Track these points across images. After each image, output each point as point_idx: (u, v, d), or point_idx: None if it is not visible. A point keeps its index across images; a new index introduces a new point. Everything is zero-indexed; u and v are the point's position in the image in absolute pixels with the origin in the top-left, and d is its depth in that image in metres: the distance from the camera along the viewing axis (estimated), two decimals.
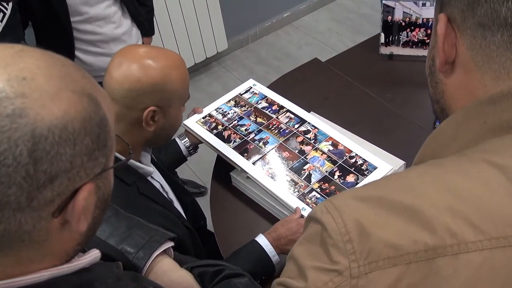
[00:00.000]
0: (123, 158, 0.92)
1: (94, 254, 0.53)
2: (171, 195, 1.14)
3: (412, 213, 0.42)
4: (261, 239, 1.05)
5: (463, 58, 0.49)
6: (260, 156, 1.25)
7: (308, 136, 1.30)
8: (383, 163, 1.20)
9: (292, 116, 1.36)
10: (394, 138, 1.38)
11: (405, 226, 0.41)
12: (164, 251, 0.76)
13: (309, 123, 1.33)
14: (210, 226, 1.30)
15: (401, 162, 1.23)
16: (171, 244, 0.77)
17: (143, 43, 1.85)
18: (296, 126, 1.33)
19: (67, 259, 0.50)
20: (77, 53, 1.67)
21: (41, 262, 0.47)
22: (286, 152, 1.25)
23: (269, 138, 1.30)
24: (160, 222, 0.94)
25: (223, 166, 1.31)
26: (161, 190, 1.09)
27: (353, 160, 1.21)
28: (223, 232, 1.21)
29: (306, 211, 1.10)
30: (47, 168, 0.43)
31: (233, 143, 1.30)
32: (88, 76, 0.51)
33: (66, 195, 0.46)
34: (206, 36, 2.88)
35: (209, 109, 1.41)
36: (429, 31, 1.62)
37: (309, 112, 1.39)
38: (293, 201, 1.13)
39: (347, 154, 1.23)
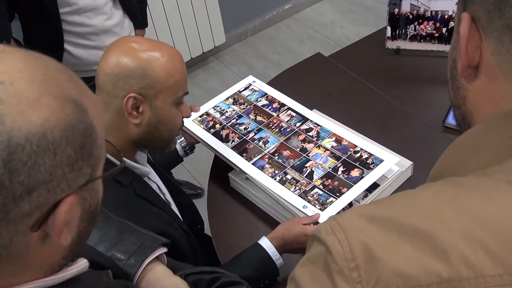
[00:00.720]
0: (116, 161, 0.92)
1: (81, 264, 0.53)
2: (168, 197, 1.14)
3: (425, 238, 0.40)
4: (264, 242, 1.05)
5: (487, 64, 0.46)
6: (260, 156, 1.24)
7: (310, 134, 1.29)
8: (389, 156, 1.20)
9: (294, 114, 1.36)
10: (401, 137, 1.37)
11: (417, 253, 0.39)
12: (157, 258, 0.75)
13: (311, 121, 1.33)
14: (207, 230, 1.29)
15: (409, 163, 1.23)
16: (164, 250, 0.76)
17: (135, 35, 1.85)
18: (298, 124, 1.33)
19: (52, 273, 0.50)
20: (66, 46, 1.66)
21: (23, 275, 0.47)
22: (287, 151, 1.25)
23: (269, 137, 1.30)
24: (157, 225, 0.94)
25: (221, 167, 1.31)
26: (158, 191, 1.08)
27: (358, 155, 1.21)
28: (221, 236, 1.20)
29: (308, 208, 1.10)
30: (24, 179, 0.42)
31: (232, 142, 1.29)
32: (76, 79, 0.50)
33: (46, 208, 0.45)
34: (203, 29, 2.87)
35: (206, 107, 1.41)
36: (438, 24, 1.61)
37: (311, 110, 1.39)
38: (294, 199, 1.12)
39: (351, 149, 1.23)
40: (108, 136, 0.53)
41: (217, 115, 1.38)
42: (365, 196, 1.16)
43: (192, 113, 1.37)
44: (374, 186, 1.18)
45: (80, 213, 0.49)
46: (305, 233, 1.03)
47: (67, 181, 0.46)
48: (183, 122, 1.06)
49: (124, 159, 0.96)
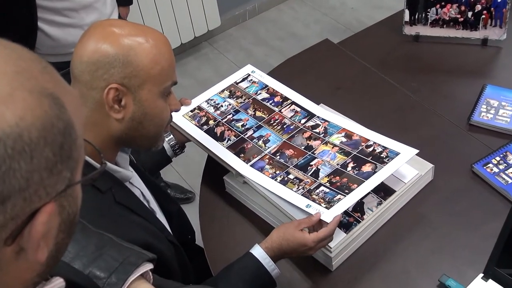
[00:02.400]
0: (95, 163, 0.90)
1: (57, 284, 0.52)
2: (153, 205, 1.14)
3: None
4: (258, 251, 1.04)
5: None
6: (260, 157, 1.24)
7: (317, 130, 1.29)
8: (405, 148, 1.19)
9: (298, 109, 1.35)
10: (420, 136, 1.37)
11: None
12: (142, 275, 0.75)
13: (318, 117, 1.32)
14: (198, 240, 1.29)
15: (429, 166, 1.23)
16: (149, 266, 0.76)
17: (119, 13, 1.84)
18: (303, 121, 1.32)
19: None
20: (40, 24, 1.64)
21: None
22: (290, 150, 1.25)
23: (270, 136, 1.29)
24: (140, 237, 0.94)
25: (215, 169, 1.30)
26: (141, 198, 1.08)
27: (370, 149, 1.21)
28: (214, 248, 1.20)
29: (312, 207, 1.10)
30: None
31: (227, 141, 1.28)
32: (51, 70, 0.50)
33: (22, 219, 0.45)
34: (195, 11, 2.86)
35: (199, 100, 1.40)
36: (463, 8, 1.60)
37: (318, 104, 1.38)
38: (296, 199, 1.12)
39: (363, 144, 1.23)
40: (85, 134, 0.53)
41: (211, 109, 1.37)
42: (379, 203, 1.16)
43: (182, 107, 1.36)
44: (389, 192, 1.17)
45: (58, 223, 0.49)
46: (305, 243, 1.03)
47: (45, 187, 0.46)
48: (171, 117, 1.05)
49: (105, 161, 0.95)
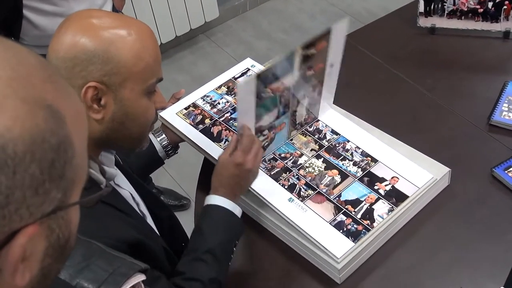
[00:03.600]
0: (99, 177, 0.91)
1: None
2: (143, 208, 1.14)
3: None
4: (218, 200, 1.11)
5: None
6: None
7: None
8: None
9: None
10: (436, 138, 1.37)
11: None
12: (133, 287, 0.75)
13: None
14: None
15: (445, 170, 1.23)
16: (141, 277, 0.76)
17: (113, 4, 1.84)
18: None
19: None
20: (25, 12, 1.65)
21: None
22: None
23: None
24: (131, 234, 0.94)
25: (211, 173, 1.29)
26: (130, 201, 1.08)
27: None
28: None
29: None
30: None
31: (225, 142, 1.29)
32: (57, 79, 0.49)
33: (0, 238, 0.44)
34: (191, 1, 2.86)
35: (194, 96, 1.40)
36: None
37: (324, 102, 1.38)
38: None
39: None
40: None
41: (207, 107, 1.37)
42: (391, 210, 1.16)
43: (176, 104, 1.37)
44: (401, 197, 1.17)
45: (45, 247, 0.48)
46: (233, 161, 1.11)
47: (29, 207, 0.45)
48: (157, 115, 1.05)
49: (109, 183, 0.95)
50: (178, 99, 1.36)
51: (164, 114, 1.35)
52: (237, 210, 1.12)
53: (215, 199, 1.11)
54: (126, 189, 1.09)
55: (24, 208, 0.45)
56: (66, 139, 0.47)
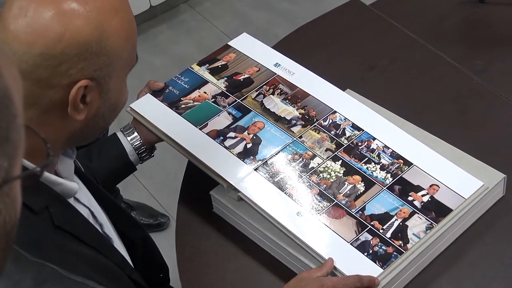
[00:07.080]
0: (30, 164, 0.90)
1: None
2: (109, 230, 1.14)
3: None
4: None
5: None
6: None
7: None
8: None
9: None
10: (487, 135, 1.38)
11: None
12: None
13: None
14: (175, 280, 1.29)
15: (500, 176, 1.23)
16: None
17: None
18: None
19: None
20: None
21: None
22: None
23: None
24: (89, 275, 0.93)
25: (197, 181, 1.31)
26: (91, 220, 1.08)
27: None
28: None
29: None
30: None
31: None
32: None
33: None
34: None
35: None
36: None
37: (344, 90, 1.39)
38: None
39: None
40: None
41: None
42: (430, 227, 1.15)
43: (151, 95, 1.38)
44: (443, 211, 1.17)
45: None
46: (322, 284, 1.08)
47: None
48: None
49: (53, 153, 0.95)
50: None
51: (136, 106, 1.35)
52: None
53: None
54: (86, 205, 1.09)
55: None
56: (6, 92, 0.48)
